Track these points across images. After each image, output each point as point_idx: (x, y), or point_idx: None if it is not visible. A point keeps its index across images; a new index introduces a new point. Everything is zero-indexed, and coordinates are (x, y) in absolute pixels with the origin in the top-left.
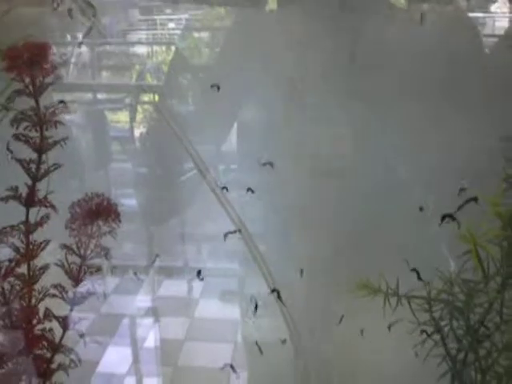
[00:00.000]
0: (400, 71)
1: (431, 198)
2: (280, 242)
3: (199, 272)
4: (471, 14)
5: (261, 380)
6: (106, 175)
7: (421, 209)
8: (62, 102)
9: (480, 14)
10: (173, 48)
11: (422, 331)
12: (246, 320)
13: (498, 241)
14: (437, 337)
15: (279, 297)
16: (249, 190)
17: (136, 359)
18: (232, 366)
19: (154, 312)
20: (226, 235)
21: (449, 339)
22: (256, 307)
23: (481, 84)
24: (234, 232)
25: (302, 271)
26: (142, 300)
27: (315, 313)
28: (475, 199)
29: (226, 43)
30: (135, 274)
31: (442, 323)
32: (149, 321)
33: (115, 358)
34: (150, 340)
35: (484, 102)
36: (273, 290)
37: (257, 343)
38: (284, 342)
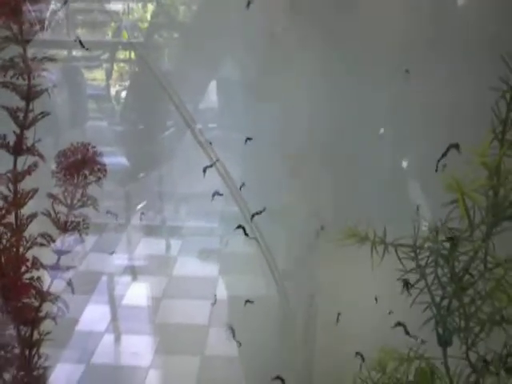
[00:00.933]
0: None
1: (419, 149)
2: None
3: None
4: None
5: (245, 334)
6: (83, 133)
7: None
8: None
9: None
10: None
11: (404, 280)
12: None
13: (484, 190)
14: (422, 284)
15: (246, 233)
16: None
17: (114, 317)
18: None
19: (132, 270)
20: (213, 195)
21: (433, 287)
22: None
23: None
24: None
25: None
26: (121, 258)
27: (300, 261)
28: (456, 146)
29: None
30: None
31: (427, 271)
32: (127, 279)
33: (94, 315)
34: (128, 298)
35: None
36: (238, 226)
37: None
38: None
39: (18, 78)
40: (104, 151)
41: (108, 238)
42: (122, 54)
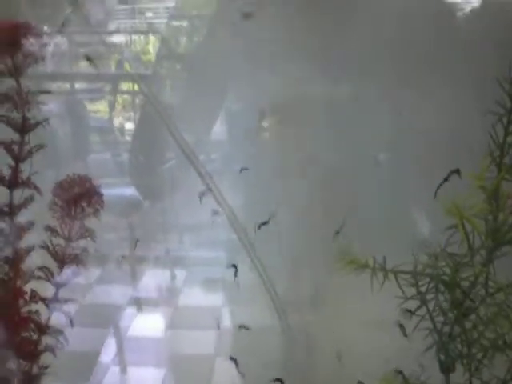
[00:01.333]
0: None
1: (418, 174)
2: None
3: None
4: None
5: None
6: (86, 165)
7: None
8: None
9: None
10: (157, 37)
11: (408, 310)
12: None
13: (483, 215)
14: (423, 311)
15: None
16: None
17: (120, 349)
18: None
19: (137, 302)
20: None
21: (435, 313)
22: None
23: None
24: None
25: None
26: (125, 289)
27: (302, 290)
28: (457, 171)
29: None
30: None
31: (428, 297)
32: (132, 310)
33: (99, 347)
34: (134, 329)
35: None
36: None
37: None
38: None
39: (12, 111)
40: (107, 183)
41: (112, 270)
42: (124, 86)
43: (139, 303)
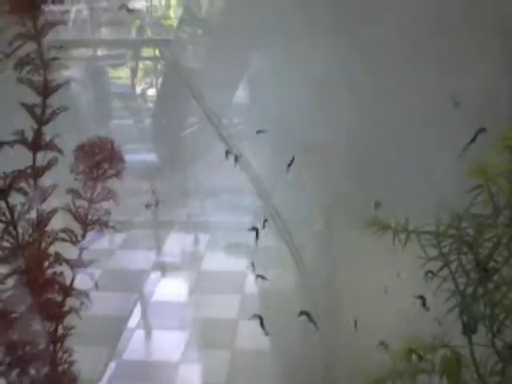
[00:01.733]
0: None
1: (444, 134)
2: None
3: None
4: None
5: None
6: (108, 131)
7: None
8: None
9: None
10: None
11: (428, 272)
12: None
13: (508, 175)
14: (446, 272)
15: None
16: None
17: (144, 313)
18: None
19: (161, 266)
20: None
21: (457, 274)
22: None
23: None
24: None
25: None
26: (149, 254)
27: (324, 253)
28: (484, 129)
29: None
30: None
31: (451, 258)
32: (156, 275)
33: (124, 311)
34: (158, 294)
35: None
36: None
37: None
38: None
39: (33, 74)
40: (129, 148)
41: (136, 234)
42: (146, 52)
43: (163, 268)
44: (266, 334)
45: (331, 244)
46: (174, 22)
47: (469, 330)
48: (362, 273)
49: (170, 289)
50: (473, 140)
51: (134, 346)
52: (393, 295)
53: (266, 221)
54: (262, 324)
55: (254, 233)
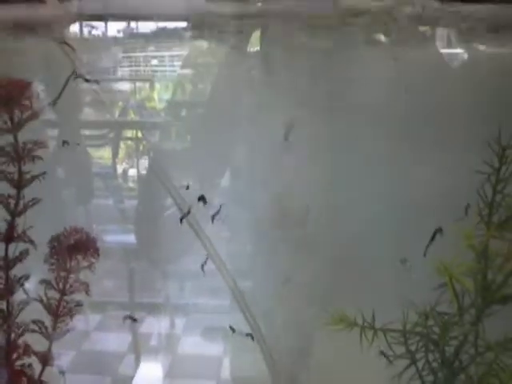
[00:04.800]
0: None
1: (408, 233)
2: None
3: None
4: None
5: None
6: (88, 211)
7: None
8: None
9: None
10: (162, 84)
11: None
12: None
13: (472, 273)
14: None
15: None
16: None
17: None
18: None
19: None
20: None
21: (425, 372)
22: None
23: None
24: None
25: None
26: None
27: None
28: (440, 230)
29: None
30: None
31: (418, 356)
32: (131, 358)
33: None
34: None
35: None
36: (247, 334)
37: None
38: None
39: (8, 166)
40: (109, 229)
41: (112, 316)
42: (128, 133)
43: (138, 351)
44: None
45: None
46: (158, 105)
47: None
48: (329, 365)
49: (146, 372)
50: (432, 239)
51: None
52: None
53: None
54: None
55: (231, 317)
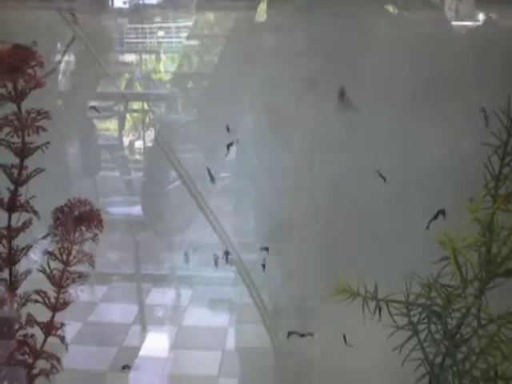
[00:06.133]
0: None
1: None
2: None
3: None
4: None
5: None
6: (94, 183)
7: None
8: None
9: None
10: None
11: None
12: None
13: (477, 246)
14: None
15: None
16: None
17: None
18: None
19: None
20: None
21: (427, 343)
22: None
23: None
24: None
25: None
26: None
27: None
28: (443, 212)
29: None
30: None
31: (420, 327)
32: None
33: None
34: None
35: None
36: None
37: None
38: None
39: (12, 136)
40: (115, 201)
41: (118, 288)
42: (135, 105)
43: (144, 322)
44: None
45: (304, 306)
46: (164, 76)
47: None
48: (335, 337)
49: (151, 343)
50: (434, 218)
51: None
52: (364, 360)
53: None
54: None
55: (237, 289)
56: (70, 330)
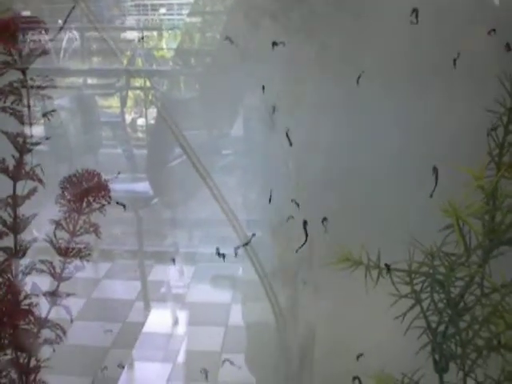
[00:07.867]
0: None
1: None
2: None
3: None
4: None
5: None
6: (96, 159)
7: None
8: None
9: None
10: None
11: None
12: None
13: (480, 214)
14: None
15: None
16: None
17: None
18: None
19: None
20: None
21: (430, 312)
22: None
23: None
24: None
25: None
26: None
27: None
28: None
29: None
30: None
31: (423, 296)
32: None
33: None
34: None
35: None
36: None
37: None
38: None
39: (18, 104)
40: (117, 177)
41: (121, 264)
42: (137, 82)
43: (147, 299)
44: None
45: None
46: (166, 53)
47: (440, 368)
48: (337, 306)
49: (155, 319)
50: (436, 180)
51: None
52: (367, 330)
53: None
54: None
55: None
56: (74, 305)
